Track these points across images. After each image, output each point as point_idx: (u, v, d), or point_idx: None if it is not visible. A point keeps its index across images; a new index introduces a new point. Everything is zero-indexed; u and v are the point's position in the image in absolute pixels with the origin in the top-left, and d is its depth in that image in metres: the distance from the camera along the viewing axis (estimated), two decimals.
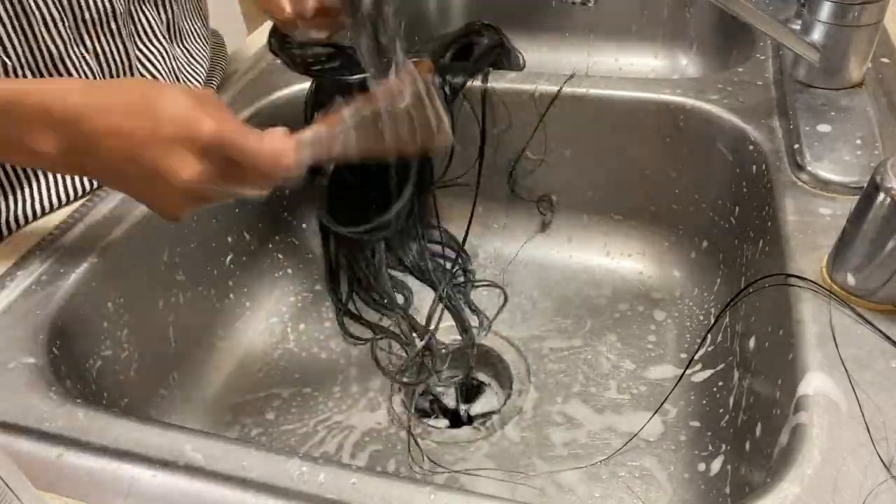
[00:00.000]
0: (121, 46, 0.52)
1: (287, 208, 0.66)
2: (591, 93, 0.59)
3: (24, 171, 0.50)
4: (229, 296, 0.59)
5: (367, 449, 0.52)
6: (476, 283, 0.64)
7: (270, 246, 0.64)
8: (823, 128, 0.50)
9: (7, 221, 0.49)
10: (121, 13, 0.51)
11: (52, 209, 0.51)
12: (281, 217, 0.66)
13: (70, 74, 0.48)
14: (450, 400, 0.57)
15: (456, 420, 0.56)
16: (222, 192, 0.39)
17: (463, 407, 0.56)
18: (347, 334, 0.60)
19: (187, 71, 0.60)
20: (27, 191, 0.50)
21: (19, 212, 0.49)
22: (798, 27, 0.52)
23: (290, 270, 0.65)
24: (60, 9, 0.47)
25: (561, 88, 0.60)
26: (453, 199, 0.67)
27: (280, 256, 0.65)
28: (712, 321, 0.56)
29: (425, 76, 0.39)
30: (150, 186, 0.38)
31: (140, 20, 0.54)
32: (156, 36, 0.56)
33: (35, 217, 0.50)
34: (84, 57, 0.49)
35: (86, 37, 0.49)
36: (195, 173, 0.37)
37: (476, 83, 0.61)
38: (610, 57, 0.88)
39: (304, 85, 0.63)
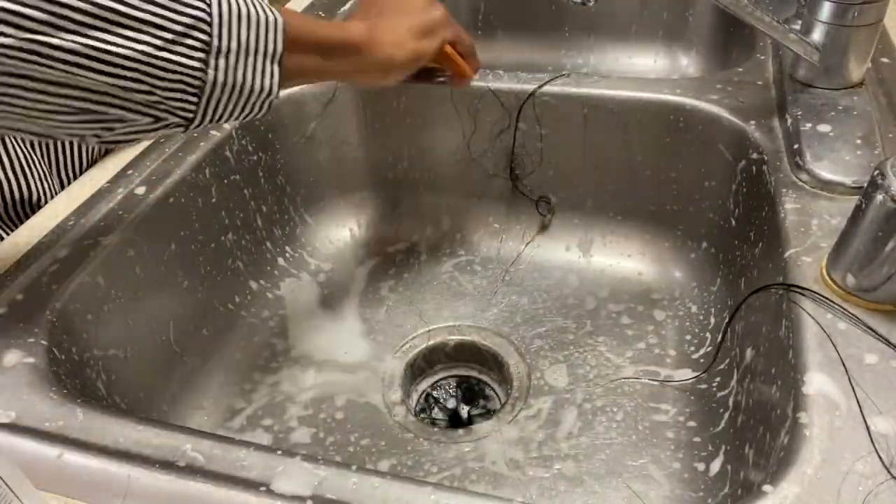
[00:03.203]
0: None
1: (287, 209, 0.66)
2: (591, 92, 0.59)
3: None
4: (231, 297, 0.59)
5: (381, 458, 0.52)
6: None
7: (272, 248, 0.64)
8: (823, 128, 0.50)
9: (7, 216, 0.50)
10: None
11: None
12: (283, 219, 0.65)
13: None
14: (450, 400, 0.57)
15: (456, 420, 0.56)
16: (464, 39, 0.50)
17: (463, 407, 0.57)
18: None
19: None
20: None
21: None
22: (798, 27, 0.52)
23: (291, 271, 0.65)
24: None
25: (544, 84, 0.60)
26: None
27: (281, 258, 0.65)
28: (712, 322, 0.56)
29: None
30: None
31: None
32: None
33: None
34: None
35: None
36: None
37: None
38: (610, 57, 0.88)
39: (303, 87, 0.63)
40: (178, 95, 0.35)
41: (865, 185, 0.37)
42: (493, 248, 0.68)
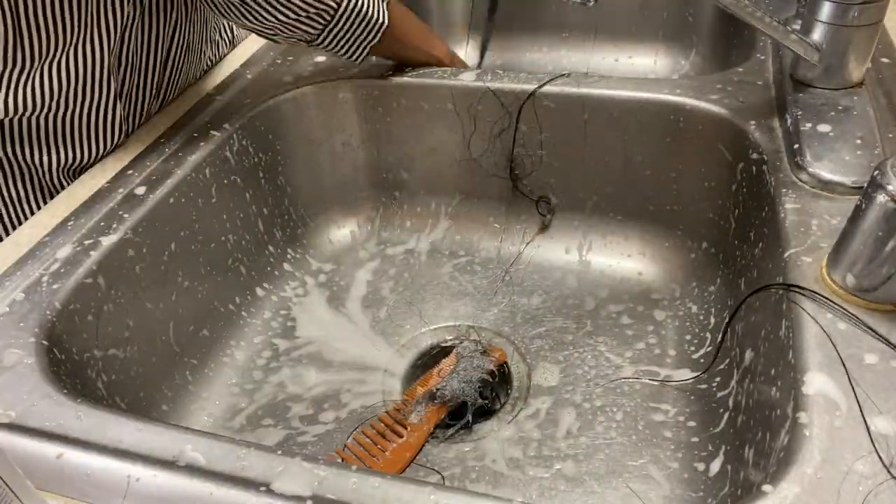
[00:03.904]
0: None
1: (288, 208, 0.66)
2: (591, 93, 0.59)
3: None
4: (232, 298, 0.59)
5: None
6: None
7: (273, 248, 0.64)
8: (823, 128, 0.50)
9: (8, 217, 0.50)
10: None
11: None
12: (283, 220, 0.66)
13: None
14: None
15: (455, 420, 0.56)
16: None
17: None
18: None
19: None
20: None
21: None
22: (798, 27, 0.52)
23: (292, 272, 0.65)
24: None
25: (544, 84, 0.60)
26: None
27: (282, 259, 0.65)
28: (712, 322, 0.56)
29: None
30: None
31: None
32: None
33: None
34: None
35: None
36: None
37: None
38: (610, 57, 0.88)
39: (304, 87, 0.63)
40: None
41: (865, 185, 0.37)
42: (493, 248, 0.68)
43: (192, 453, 0.34)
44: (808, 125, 0.50)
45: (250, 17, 0.55)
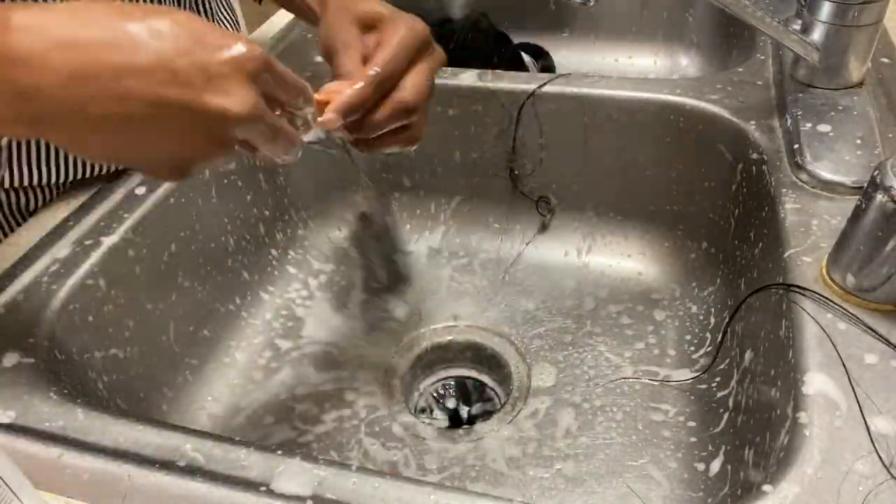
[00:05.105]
0: None
1: (288, 209, 0.66)
2: (591, 93, 0.59)
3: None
4: (232, 298, 0.59)
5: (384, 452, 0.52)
6: None
7: (273, 249, 0.64)
8: (823, 128, 0.50)
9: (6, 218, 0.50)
10: None
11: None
12: (283, 220, 0.66)
13: None
14: (450, 400, 0.57)
15: (456, 420, 0.56)
16: (265, 132, 0.32)
17: (463, 407, 0.57)
18: None
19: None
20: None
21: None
22: (798, 27, 0.52)
23: (292, 272, 0.65)
24: None
25: (544, 84, 0.60)
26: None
27: (282, 259, 0.65)
28: (712, 322, 0.56)
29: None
30: (164, 135, 0.30)
31: None
32: None
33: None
34: None
35: None
36: (249, 104, 0.30)
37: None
38: (610, 57, 0.88)
39: None
40: None
41: (865, 185, 0.37)
42: (493, 248, 0.68)
43: (191, 453, 0.34)
44: (808, 125, 0.50)
45: None
